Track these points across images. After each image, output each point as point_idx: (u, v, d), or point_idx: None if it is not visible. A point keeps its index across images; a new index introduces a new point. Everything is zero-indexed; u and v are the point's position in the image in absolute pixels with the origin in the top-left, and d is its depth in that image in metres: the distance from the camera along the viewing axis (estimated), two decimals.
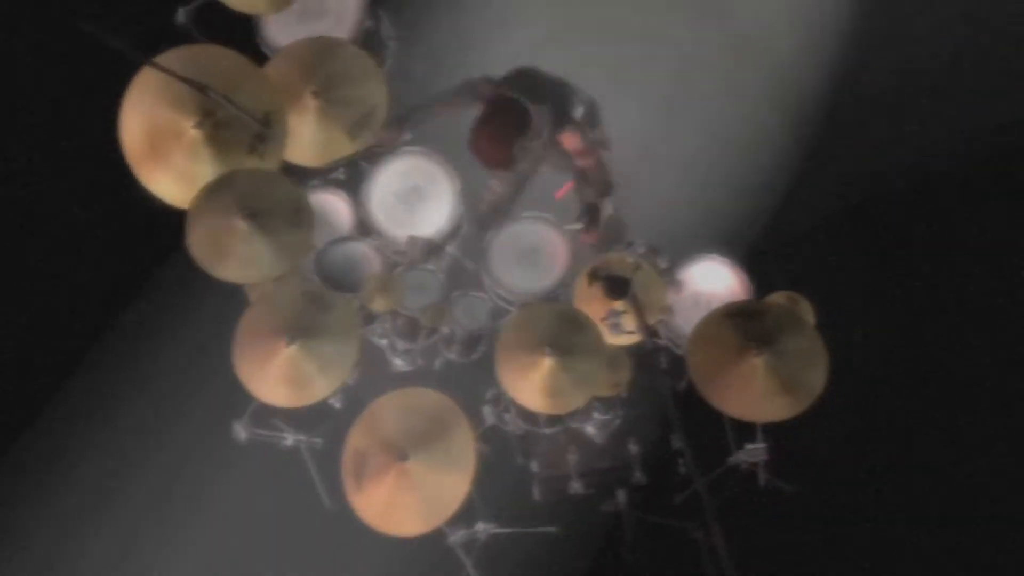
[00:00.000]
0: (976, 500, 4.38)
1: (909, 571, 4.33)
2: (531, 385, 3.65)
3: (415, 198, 4.31)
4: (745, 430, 3.83)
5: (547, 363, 3.65)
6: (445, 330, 4.17)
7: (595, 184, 3.84)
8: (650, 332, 3.24)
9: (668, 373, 3.79)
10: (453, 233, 4.33)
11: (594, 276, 3.55)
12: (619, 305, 3.62)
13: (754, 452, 3.74)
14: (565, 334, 3.66)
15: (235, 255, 3.64)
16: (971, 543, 4.30)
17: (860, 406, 4.33)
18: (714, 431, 3.80)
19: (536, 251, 4.25)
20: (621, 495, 4.12)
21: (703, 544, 4.03)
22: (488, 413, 4.09)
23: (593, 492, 4.23)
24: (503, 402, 4.14)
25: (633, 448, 4.25)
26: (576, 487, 4.23)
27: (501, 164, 3.59)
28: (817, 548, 4.30)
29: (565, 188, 4.31)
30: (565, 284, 4.18)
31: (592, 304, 3.78)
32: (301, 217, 3.70)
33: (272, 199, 3.67)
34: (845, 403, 3.76)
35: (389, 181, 4.33)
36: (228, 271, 3.66)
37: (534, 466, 4.30)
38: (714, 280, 4.15)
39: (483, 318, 4.15)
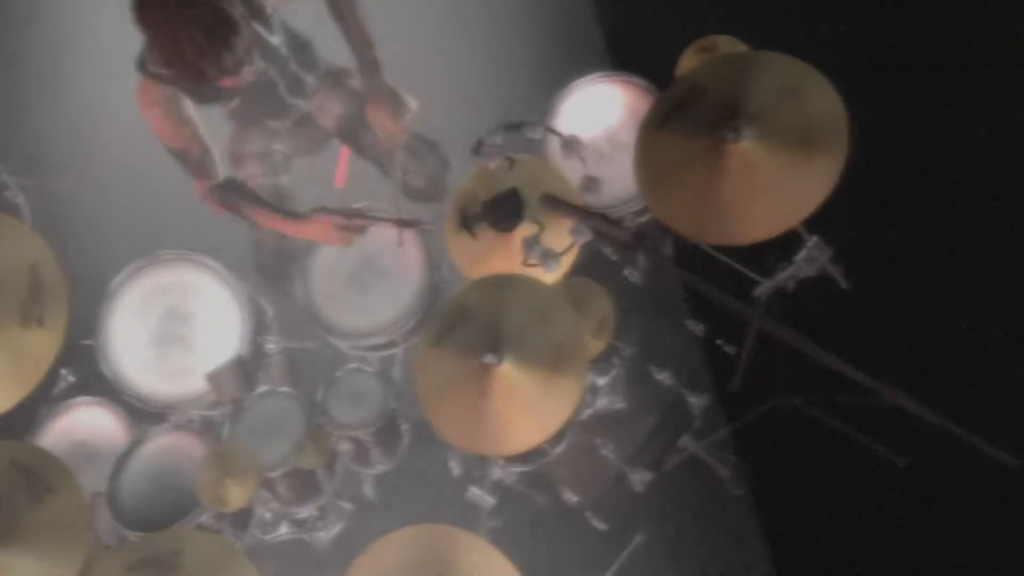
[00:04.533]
0: None
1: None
2: (499, 422, 2.34)
3: (180, 326, 2.94)
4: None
5: (499, 373, 2.33)
6: (345, 446, 2.78)
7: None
8: (595, 217, 1.96)
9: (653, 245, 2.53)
10: (259, 328, 2.96)
11: (468, 218, 2.25)
12: (527, 228, 2.32)
13: (813, 256, 2.51)
14: (496, 319, 2.35)
15: None
16: None
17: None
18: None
19: (369, 263, 2.92)
20: (686, 440, 3.03)
21: (801, 405, 2.98)
22: (477, 494, 2.77)
23: (660, 469, 3.05)
24: (480, 465, 2.89)
25: (664, 377, 3.00)
26: (638, 480, 2.98)
27: (223, 64, 2.30)
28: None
29: (343, 164, 3.00)
30: (435, 267, 2.87)
31: (495, 256, 2.47)
32: (44, 483, 2.44)
33: None
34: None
35: (135, 329, 2.93)
36: None
37: (570, 497, 3.03)
38: (604, 108, 2.91)
39: (377, 393, 2.80)
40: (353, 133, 2.94)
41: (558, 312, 2.31)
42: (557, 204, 2.03)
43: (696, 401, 3.01)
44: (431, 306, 2.84)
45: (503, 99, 3.40)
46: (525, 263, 2.28)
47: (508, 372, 2.31)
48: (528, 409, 2.31)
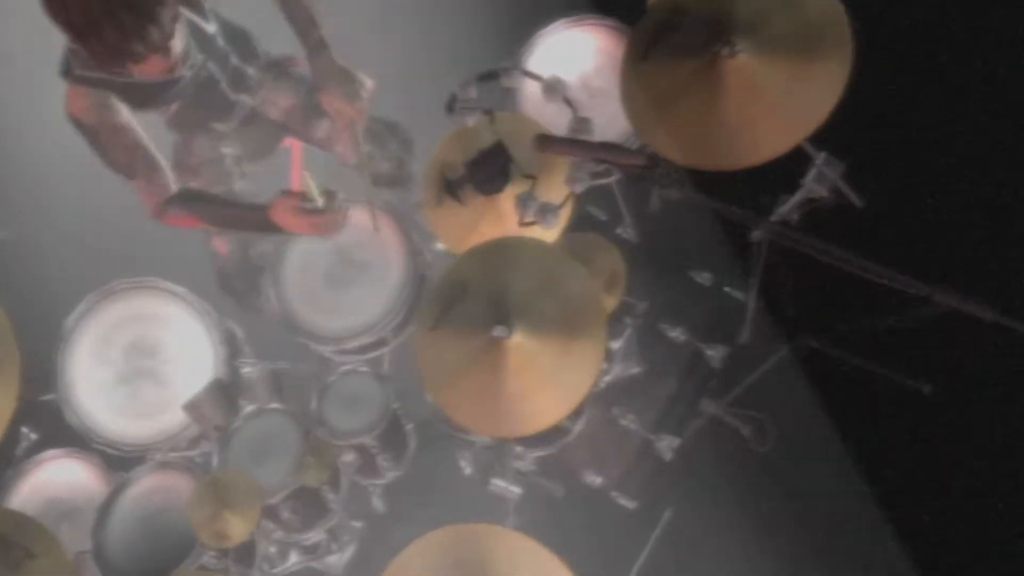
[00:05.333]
0: None
1: None
2: (518, 399, 2.10)
3: (147, 359, 2.68)
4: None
5: (512, 346, 2.11)
6: (349, 457, 2.55)
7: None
8: (602, 147, 1.75)
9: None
10: (232, 350, 2.72)
11: (452, 184, 2.02)
12: (519, 186, 2.10)
13: (824, 174, 2.32)
14: (498, 288, 2.13)
15: None
16: None
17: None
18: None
19: (345, 257, 2.68)
20: (706, 404, 2.83)
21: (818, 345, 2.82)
22: (500, 486, 2.56)
23: (686, 435, 2.84)
24: (494, 457, 2.67)
25: (678, 334, 2.81)
26: (665, 447, 2.79)
27: (150, 39, 2.05)
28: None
29: (296, 163, 2.73)
30: (416, 252, 2.62)
31: (484, 223, 2.25)
32: (21, 548, 2.20)
33: None
34: None
35: (98, 371, 2.67)
36: None
37: (594, 479, 2.85)
38: (575, 55, 2.70)
39: (375, 394, 2.56)
40: (306, 124, 2.70)
41: (566, 270, 2.09)
42: (556, 143, 1.82)
43: (714, 354, 2.82)
44: (418, 296, 2.61)
45: (462, 67, 3.15)
46: (522, 222, 2.06)
47: (521, 343, 2.09)
48: (548, 380, 2.08)
